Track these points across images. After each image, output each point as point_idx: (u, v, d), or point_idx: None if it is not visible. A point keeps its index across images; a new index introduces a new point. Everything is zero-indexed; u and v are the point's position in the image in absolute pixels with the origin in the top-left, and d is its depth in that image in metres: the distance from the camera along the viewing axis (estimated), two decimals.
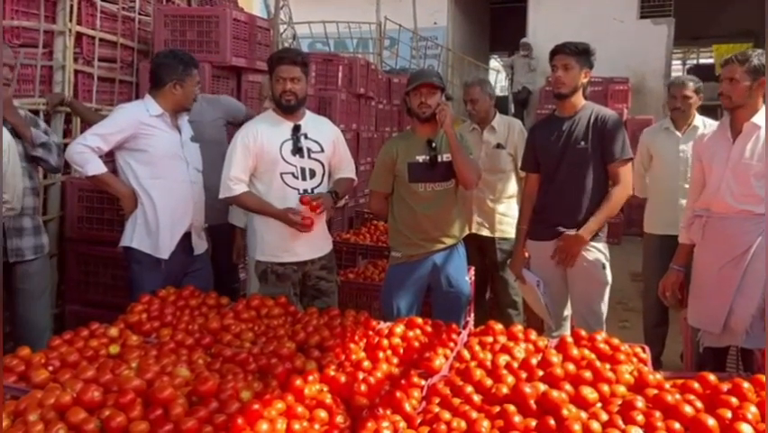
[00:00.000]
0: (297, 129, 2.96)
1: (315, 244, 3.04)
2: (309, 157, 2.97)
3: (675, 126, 3.78)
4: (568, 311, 3.15)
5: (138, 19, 4.44)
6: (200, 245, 3.20)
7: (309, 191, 2.95)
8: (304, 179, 2.95)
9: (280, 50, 3.19)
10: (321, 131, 3.06)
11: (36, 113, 3.54)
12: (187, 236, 3.10)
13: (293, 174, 2.94)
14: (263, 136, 2.91)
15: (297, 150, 2.94)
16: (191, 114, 3.48)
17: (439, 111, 2.91)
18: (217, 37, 4.26)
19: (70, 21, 3.77)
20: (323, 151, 3.01)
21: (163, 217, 2.98)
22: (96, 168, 2.93)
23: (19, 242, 2.89)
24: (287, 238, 2.94)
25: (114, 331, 2.42)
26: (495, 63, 17.62)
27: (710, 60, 17.62)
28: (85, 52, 3.96)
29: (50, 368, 2.06)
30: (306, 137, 2.97)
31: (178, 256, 3.05)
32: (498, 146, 3.82)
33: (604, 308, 3.04)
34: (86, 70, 3.96)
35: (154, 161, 2.98)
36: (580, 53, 2.90)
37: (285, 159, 2.92)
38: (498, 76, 15.27)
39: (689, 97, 3.70)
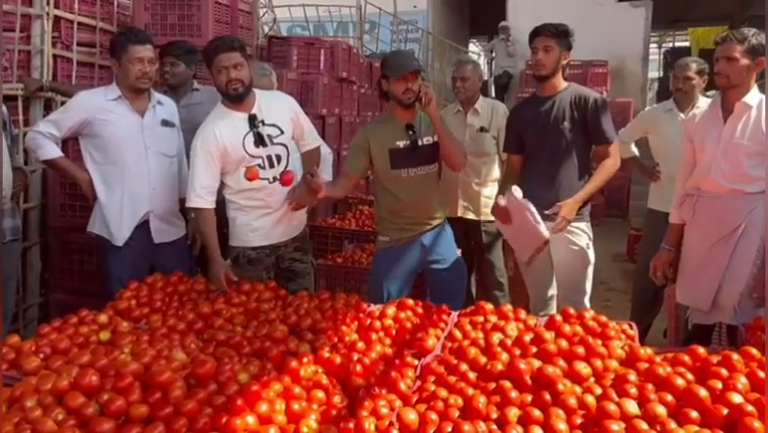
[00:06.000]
0: (253, 119, 2.84)
1: (287, 227, 3.00)
2: (272, 144, 2.88)
3: (678, 108, 3.71)
4: (553, 291, 3.19)
5: (117, 2, 4.36)
6: (165, 233, 3.09)
7: (278, 177, 2.90)
8: (271, 166, 2.89)
9: (213, 40, 2.96)
10: (276, 111, 2.93)
11: (14, 98, 3.48)
12: (146, 224, 3.02)
13: (259, 165, 2.86)
14: (223, 137, 2.78)
15: (260, 140, 2.84)
16: (192, 97, 3.47)
17: (424, 94, 2.83)
18: (199, 20, 4.23)
19: (48, 4, 3.69)
20: (283, 133, 2.92)
21: (115, 203, 2.95)
22: (48, 153, 2.92)
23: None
24: (258, 222, 2.91)
25: (103, 318, 2.41)
26: (474, 48, 17.62)
27: (686, 44, 17.79)
28: (63, 36, 3.88)
29: (41, 355, 2.04)
30: (263, 124, 2.87)
31: (138, 243, 2.99)
32: (482, 129, 3.82)
33: (588, 287, 3.08)
34: (65, 55, 3.89)
35: (108, 146, 2.93)
36: (560, 35, 2.89)
37: (249, 153, 2.83)
38: (478, 60, 15.26)
39: (691, 79, 3.63)
